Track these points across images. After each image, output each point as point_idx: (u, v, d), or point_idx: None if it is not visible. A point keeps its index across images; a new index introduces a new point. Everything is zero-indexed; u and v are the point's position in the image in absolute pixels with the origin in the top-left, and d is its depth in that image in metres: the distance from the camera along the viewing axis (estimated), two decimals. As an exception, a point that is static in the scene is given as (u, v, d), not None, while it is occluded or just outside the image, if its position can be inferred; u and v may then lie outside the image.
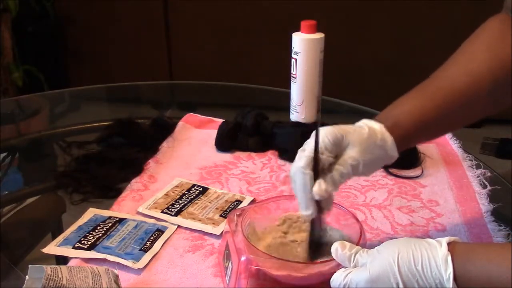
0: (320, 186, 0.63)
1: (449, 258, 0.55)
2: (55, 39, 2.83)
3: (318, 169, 0.64)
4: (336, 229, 0.73)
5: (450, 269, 0.55)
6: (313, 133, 0.65)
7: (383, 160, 0.68)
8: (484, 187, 0.91)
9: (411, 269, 0.56)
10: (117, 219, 0.81)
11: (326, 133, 0.64)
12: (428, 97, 0.71)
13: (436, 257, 0.56)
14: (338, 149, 0.65)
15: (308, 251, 0.69)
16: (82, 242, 0.75)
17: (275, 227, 0.74)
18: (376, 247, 0.60)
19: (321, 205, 0.66)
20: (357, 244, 0.64)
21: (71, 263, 0.72)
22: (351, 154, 0.65)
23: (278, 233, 0.74)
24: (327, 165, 0.64)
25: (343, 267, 0.61)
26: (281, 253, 0.70)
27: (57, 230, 0.82)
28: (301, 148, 0.66)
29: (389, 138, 0.67)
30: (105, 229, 0.78)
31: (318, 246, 0.69)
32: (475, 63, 0.71)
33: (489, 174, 0.95)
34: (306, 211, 0.65)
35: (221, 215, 0.82)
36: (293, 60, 1.08)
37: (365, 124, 0.67)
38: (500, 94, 0.71)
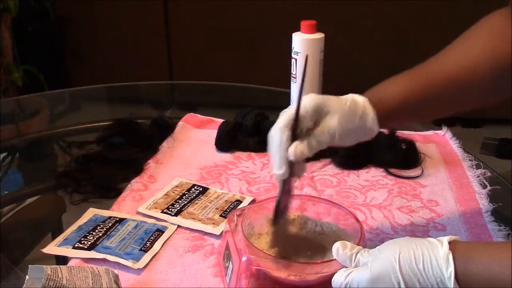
0: (296, 147, 0.64)
1: (450, 256, 0.55)
2: (55, 39, 2.83)
3: (296, 131, 0.65)
4: (333, 223, 0.73)
5: (451, 268, 0.55)
6: (297, 97, 0.66)
7: (362, 132, 0.68)
8: (484, 187, 0.91)
9: (412, 268, 0.56)
10: (117, 219, 0.81)
11: (308, 99, 0.66)
12: (418, 78, 0.71)
13: (437, 256, 0.56)
14: (318, 115, 0.66)
15: (274, 214, 0.70)
16: (82, 242, 0.75)
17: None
18: (377, 247, 0.61)
19: (293, 170, 0.66)
20: (357, 244, 0.64)
21: (71, 263, 0.72)
22: (329, 122, 0.66)
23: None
24: (306, 130, 0.65)
25: (344, 267, 0.61)
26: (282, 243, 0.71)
27: (57, 230, 0.82)
28: (283, 110, 0.67)
29: (370, 111, 0.67)
30: (105, 229, 0.78)
31: (285, 209, 0.70)
32: (473, 52, 0.71)
33: (489, 174, 0.95)
34: (279, 170, 0.66)
35: (221, 215, 0.82)
36: (293, 60, 1.08)
37: (349, 97, 0.68)
38: (500, 85, 0.71)
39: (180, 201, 0.86)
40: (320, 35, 1.06)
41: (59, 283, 0.57)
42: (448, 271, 0.55)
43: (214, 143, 1.06)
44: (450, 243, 0.57)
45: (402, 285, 0.56)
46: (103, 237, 0.76)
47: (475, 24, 0.74)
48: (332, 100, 0.67)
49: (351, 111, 0.66)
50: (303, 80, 0.67)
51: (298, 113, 0.65)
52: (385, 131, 1.03)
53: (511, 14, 0.71)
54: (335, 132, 0.65)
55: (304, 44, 1.05)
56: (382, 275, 0.57)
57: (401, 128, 1.08)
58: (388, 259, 0.57)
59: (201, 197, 0.88)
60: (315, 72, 1.08)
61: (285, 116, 0.66)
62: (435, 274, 0.55)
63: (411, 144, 1.02)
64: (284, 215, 0.71)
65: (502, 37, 0.70)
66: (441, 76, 0.71)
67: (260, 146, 1.05)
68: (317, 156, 0.68)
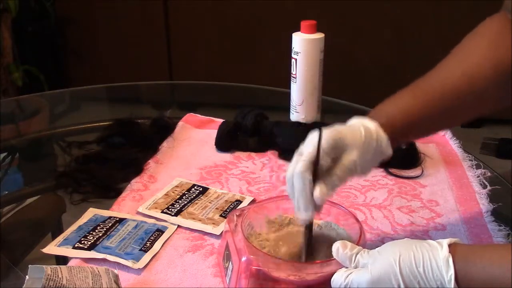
0: (321, 191, 0.63)
1: (450, 259, 0.55)
2: (55, 39, 2.83)
3: (318, 173, 0.64)
4: (339, 226, 0.73)
5: (452, 271, 0.55)
6: (310, 137, 0.65)
7: (378, 159, 0.68)
8: (484, 187, 0.91)
9: (412, 270, 0.56)
10: (117, 219, 0.81)
11: (324, 137, 0.64)
12: (422, 94, 0.71)
13: (437, 258, 0.56)
14: (335, 153, 0.65)
15: (305, 253, 0.69)
16: (82, 242, 0.75)
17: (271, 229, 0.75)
18: (377, 248, 0.61)
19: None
20: (357, 244, 0.63)
21: (71, 263, 0.72)
22: (350, 158, 0.65)
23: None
24: (325, 168, 0.64)
25: (343, 267, 0.61)
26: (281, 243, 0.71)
27: (57, 230, 0.82)
28: (297, 151, 0.66)
29: (384, 137, 0.67)
30: (105, 229, 0.78)
31: (313, 249, 0.69)
32: (472, 62, 0.71)
33: (489, 174, 0.95)
34: (306, 214, 0.65)
35: (221, 215, 0.82)
36: (293, 60, 1.08)
37: (360, 124, 0.67)
38: (500, 92, 0.71)
39: (180, 201, 0.86)
40: (320, 35, 1.06)
41: (59, 283, 0.57)
42: (448, 274, 0.55)
43: (214, 143, 1.06)
44: (450, 245, 0.57)
45: (402, 287, 0.56)
46: (103, 237, 0.76)
47: (473, 31, 0.74)
48: (347, 134, 0.65)
49: (367, 142, 0.66)
50: (320, 131, 0.65)
51: (319, 155, 0.63)
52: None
53: (511, 20, 0.71)
54: (356, 167, 0.65)
55: (304, 44, 1.05)
56: (382, 277, 0.57)
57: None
58: (388, 261, 0.57)
59: (201, 197, 0.88)
60: (315, 72, 1.08)
61: (303, 158, 0.64)
62: (435, 277, 0.55)
63: (411, 144, 1.02)
64: (314, 254, 0.69)
65: (501, 44, 0.70)
66: (443, 89, 0.70)
67: (260, 146, 1.05)
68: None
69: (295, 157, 0.65)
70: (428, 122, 0.71)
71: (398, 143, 0.70)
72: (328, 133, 0.65)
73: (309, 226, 0.68)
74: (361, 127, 0.67)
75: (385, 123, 0.67)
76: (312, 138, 0.65)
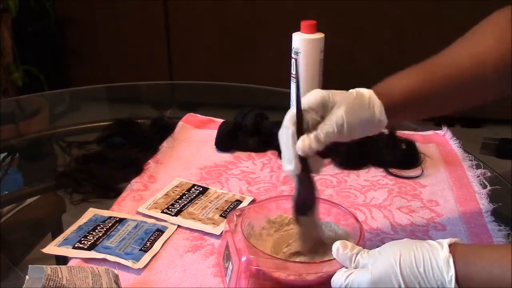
0: (303, 141, 0.64)
1: (451, 260, 0.55)
2: (55, 39, 2.83)
3: (302, 126, 0.64)
4: (339, 226, 0.73)
5: (452, 271, 0.55)
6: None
7: (370, 125, 0.67)
8: (484, 187, 0.91)
9: (413, 271, 0.56)
10: (117, 219, 0.81)
11: (313, 93, 0.65)
12: (425, 72, 0.71)
13: (438, 259, 0.56)
14: (324, 109, 0.66)
15: (294, 209, 0.69)
16: (82, 242, 0.75)
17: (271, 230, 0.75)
18: (377, 248, 0.61)
19: (309, 166, 0.66)
20: (357, 244, 0.63)
21: (71, 263, 0.72)
22: (336, 113, 0.65)
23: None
24: (313, 124, 0.65)
25: (343, 267, 0.61)
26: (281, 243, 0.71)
27: (57, 230, 0.82)
28: (288, 110, 0.67)
29: (377, 101, 0.67)
30: (105, 229, 0.78)
31: (304, 207, 0.69)
32: (481, 47, 0.71)
33: (489, 174, 0.95)
34: (289, 166, 0.66)
35: (221, 215, 0.82)
36: (293, 60, 1.08)
37: (354, 90, 0.68)
38: (503, 81, 0.71)
39: (180, 201, 0.86)
40: (320, 35, 1.06)
41: (59, 283, 0.57)
42: (449, 275, 0.55)
43: (214, 143, 1.06)
44: (450, 245, 0.57)
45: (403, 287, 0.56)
46: (103, 237, 0.76)
47: (483, 20, 0.74)
48: (337, 93, 0.67)
49: (358, 102, 0.66)
50: (297, 75, 0.66)
51: (299, 106, 0.64)
52: (385, 131, 1.03)
53: None
54: (342, 123, 0.65)
55: (304, 44, 1.05)
56: (383, 278, 0.57)
57: (403, 127, 1.08)
58: (388, 261, 0.57)
59: (201, 197, 0.88)
60: (315, 72, 1.08)
61: (290, 114, 0.66)
62: (435, 277, 0.55)
63: (411, 144, 1.02)
64: (308, 212, 0.69)
65: (508, 33, 0.70)
66: (447, 70, 0.70)
67: (260, 146, 1.05)
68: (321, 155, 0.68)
69: (286, 114, 0.66)
70: (427, 100, 0.71)
71: (396, 117, 0.69)
72: (318, 90, 0.66)
73: (299, 181, 0.68)
74: (354, 91, 0.68)
75: (383, 93, 0.68)
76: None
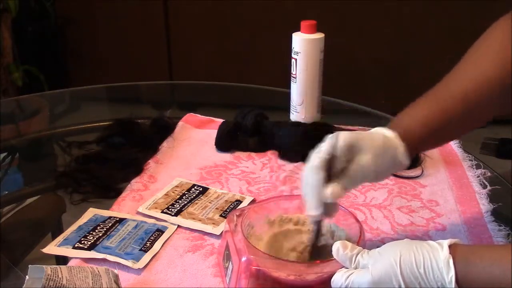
0: (333, 189, 0.64)
1: (451, 260, 0.55)
2: (55, 39, 2.83)
3: (331, 171, 0.64)
4: (341, 228, 0.73)
5: (452, 272, 0.55)
6: (329, 136, 0.65)
7: (393, 168, 0.69)
8: (484, 187, 0.91)
9: (413, 271, 0.56)
10: (117, 219, 0.81)
11: (341, 137, 0.65)
12: (439, 103, 0.71)
13: (438, 259, 0.56)
14: (350, 154, 0.65)
15: (311, 255, 0.69)
16: (82, 242, 0.75)
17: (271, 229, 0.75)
18: (377, 249, 0.61)
19: (325, 209, 0.67)
20: (357, 244, 0.64)
21: (71, 263, 0.72)
22: (364, 160, 0.65)
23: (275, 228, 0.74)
24: (339, 169, 0.65)
25: (343, 267, 0.61)
26: (283, 242, 0.71)
27: (57, 230, 0.82)
28: (315, 149, 0.66)
29: (401, 146, 0.67)
30: (105, 229, 0.78)
31: (320, 251, 0.69)
32: (484, 67, 0.71)
33: (489, 174, 0.95)
34: (315, 211, 0.66)
35: (221, 215, 0.82)
36: (293, 60, 1.08)
37: (379, 131, 0.68)
38: (507, 98, 0.71)
39: (180, 201, 0.86)
40: (320, 35, 1.06)
41: (59, 283, 0.57)
42: (449, 275, 0.55)
43: (214, 143, 1.06)
44: (450, 246, 0.57)
45: None
46: (103, 237, 0.76)
47: (484, 34, 0.74)
48: (364, 138, 0.66)
49: (384, 148, 0.66)
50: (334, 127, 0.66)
51: (332, 155, 0.65)
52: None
53: None
54: (370, 171, 0.65)
55: (304, 44, 1.05)
56: (383, 278, 0.57)
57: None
58: (389, 262, 0.57)
59: (201, 197, 0.88)
60: (315, 72, 1.08)
61: (319, 155, 0.65)
62: (436, 278, 0.55)
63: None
64: (319, 255, 0.69)
65: (508, 52, 0.70)
66: (457, 96, 0.70)
67: (260, 146, 1.05)
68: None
69: (313, 155, 0.66)
70: (445, 130, 0.72)
71: (418, 152, 0.70)
72: (346, 134, 0.65)
73: (317, 224, 0.68)
74: (380, 134, 0.68)
75: (403, 132, 0.68)
76: (330, 137, 0.66)
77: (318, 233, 0.69)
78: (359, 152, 0.65)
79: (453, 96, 0.71)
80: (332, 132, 0.67)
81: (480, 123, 0.74)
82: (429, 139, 0.71)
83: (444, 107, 0.70)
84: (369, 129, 0.71)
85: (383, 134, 0.68)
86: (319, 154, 0.65)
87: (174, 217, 0.82)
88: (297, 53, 1.06)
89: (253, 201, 0.87)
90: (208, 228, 0.79)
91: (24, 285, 0.58)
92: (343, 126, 1.05)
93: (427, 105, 0.72)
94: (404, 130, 0.68)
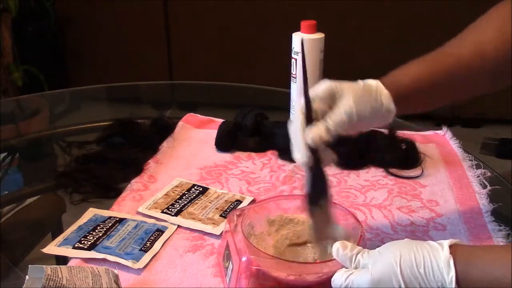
0: (312, 131, 0.64)
1: (451, 261, 0.55)
2: (55, 39, 2.83)
3: (311, 115, 0.65)
4: (339, 227, 0.73)
5: (452, 272, 0.55)
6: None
7: (379, 114, 0.68)
8: (484, 187, 0.91)
9: (413, 271, 0.56)
10: (117, 219, 0.81)
11: (320, 84, 0.66)
12: (430, 62, 0.72)
13: (438, 260, 0.56)
14: (332, 99, 0.66)
15: (306, 200, 0.69)
16: (82, 242, 0.75)
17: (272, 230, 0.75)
18: (377, 249, 0.60)
19: (320, 158, 0.66)
20: (357, 244, 0.64)
21: (71, 263, 0.72)
22: (344, 102, 0.65)
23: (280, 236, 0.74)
24: (322, 114, 0.65)
25: (343, 267, 0.61)
26: (288, 255, 0.71)
27: (57, 230, 0.82)
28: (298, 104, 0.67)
29: (384, 91, 0.67)
30: (105, 229, 0.78)
31: (317, 197, 0.69)
32: (484, 37, 0.72)
33: (489, 174, 0.95)
34: (298, 155, 0.65)
35: (221, 215, 0.82)
36: (293, 60, 1.07)
37: (360, 80, 0.69)
38: (500, 74, 0.72)
39: (180, 201, 0.86)
40: (320, 35, 1.06)
41: (59, 283, 0.57)
42: (449, 275, 0.55)
43: (214, 143, 1.06)
44: (450, 246, 0.57)
45: None
46: (103, 237, 0.76)
47: (488, 11, 0.75)
48: (344, 84, 0.67)
49: (365, 92, 0.66)
50: (304, 63, 0.66)
51: (308, 96, 0.65)
52: (385, 131, 1.03)
53: None
54: (351, 111, 0.65)
55: (304, 44, 1.05)
56: (383, 278, 0.57)
57: (403, 127, 1.08)
58: (389, 262, 0.57)
59: (201, 197, 0.88)
60: (315, 72, 1.08)
61: (299, 105, 0.66)
62: (436, 278, 0.55)
63: (411, 144, 1.02)
64: (320, 203, 0.69)
65: (508, 26, 0.71)
66: (452, 60, 0.71)
67: (260, 146, 1.05)
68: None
69: (295, 104, 0.67)
70: (433, 89, 0.71)
71: (403, 107, 0.69)
72: (325, 81, 0.66)
73: (310, 174, 0.68)
74: (361, 82, 0.68)
75: (389, 83, 0.68)
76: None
77: (311, 182, 0.68)
78: (340, 97, 0.66)
79: (446, 59, 0.71)
80: None
81: (467, 93, 0.74)
82: (415, 95, 0.70)
83: (434, 67, 0.71)
84: None
85: (366, 82, 0.68)
86: (299, 104, 0.66)
87: (174, 217, 0.82)
88: (297, 53, 1.06)
89: (253, 201, 0.87)
90: (208, 228, 0.79)
91: (24, 285, 0.58)
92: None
93: (419, 65, 0.72)
94: (390, 81, 0.69)
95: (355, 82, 0.68)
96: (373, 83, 0.68)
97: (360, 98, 0.65)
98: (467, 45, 0.72)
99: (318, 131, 0.64)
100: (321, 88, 0.66)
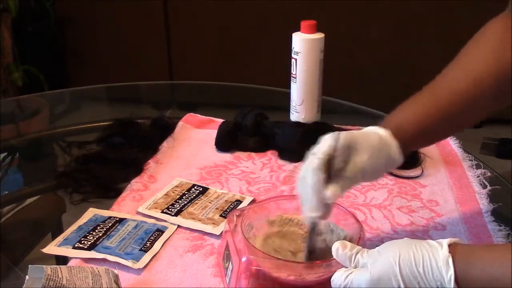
0: (333, 190, 0.64)
1: (450, 260, 0.55)
2: (55, 39, 2.83)
3: (330, 172, 0.65)
4: (339, 226, 0.73)
5: (451, 271, 0.55)
6: (325, 137, 0.65)
7: (388, 166, 0.70)
8: (484, 187, 0.91)
9: (412, 270, 0.56)
10: (117, 219, 0.81)
11: (339, 138, 0.65)
12: (430, 101, 0.72)
13: (437, 258, 0.56)
14: (348, 154, 0.66)
15: (307, 255, 0.69)
16: (82, 242, 0.75)
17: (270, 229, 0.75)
18: (376, 248, 0.61)
19: (330, 209, 0.67)
20: (357, 244, 0.64)
21: (71, 263, 0.72)
22: (360, 159, 0.65)
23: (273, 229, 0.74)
24: (336, 170, 0.65)
25: (343, 267, 0.61)
26: (280, 243, 0.71)
27: (57, 230, 0.82)
28: (311, 151, 0.66)
29: (394, 145, 0.68)
30: (105, 229, 0.78)
31: (316, 251, 0.69)
32: (477, 66, 0.71)
33: (489, 174, 0.95)
34: (315, 213, 0.66)
35: (221, 215, 0.82)
36: (293, 60, 1.08)
37: (373, 131, 0.69)
38: (501, 95, 0.71)
39: (180, 201, 0.86)
40: (320, 35, 1.06)
41: (59, 283, 0.57)
42: (448, 275, 0.55)
43: (214, 143, 1.06)
44: (450, 245, 0.57)
45: (402, 287, 0.56)
46: (103, 237, 0.76)
47: (477, 33, 0.75)
48: (360, 138, 0.67)
49: (379, 147, 0.67)
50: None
51: (331, 155, 0.65)
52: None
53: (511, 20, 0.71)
54: (367, 172, 0.66)
55: (304, 44, 1.05)
56: (382, 278, 0.57)
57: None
58: (388, 261, 0.57)
59: (201, 197, 0.88)
60: (315, 72, 1.08)
61: (317, 156, 0.65)
62: (435, 277, 0.55)
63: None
64: (316, 255, 0.69)
65: (504, 46, 0.70)
66: (450, 95, 0.71)
67: (260, 146, 1.05)
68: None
69: (309, 156, 0.66)
70: (438, 128, 0.72)
71: (410, 150, 0.71)
72: (343, 134, 0.66)
73: (314, 225, 0.68)
74: (375, 134, 0.68)
75: (395, 130, 0.69)
76: (326, 138, 0.66)
77: (313, 233, 0.69)
78: (355, 153, 0.66)
79: (446, 95, 0.71)
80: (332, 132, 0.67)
81: (472, 122, 0.75)
82: (421, 136, 0.72)
83: (436, 105, 0.71)
84: (362, 128, 0.71)
85: (377, 133, 0.68)
86: (317, 155, 0.65)
87: (174, 217, 0.82)
88: (297, 53, 1.06)
89: (253, 201, 0.87)
90: (208, 228, 0.79)
91: (24, 285, 0.58)
92: (343, 126, 1.05)
93: (420, 103, 0.72)
94: (396, 128, 0.69)
95: (369, 135, 0.68)
96: (384, 135, 0.68)
97: (374, 155, 0.66)
98: (464, 78, 0.72)
99: (336, 191, 0.64)
100: (338, 145, 0.65)
